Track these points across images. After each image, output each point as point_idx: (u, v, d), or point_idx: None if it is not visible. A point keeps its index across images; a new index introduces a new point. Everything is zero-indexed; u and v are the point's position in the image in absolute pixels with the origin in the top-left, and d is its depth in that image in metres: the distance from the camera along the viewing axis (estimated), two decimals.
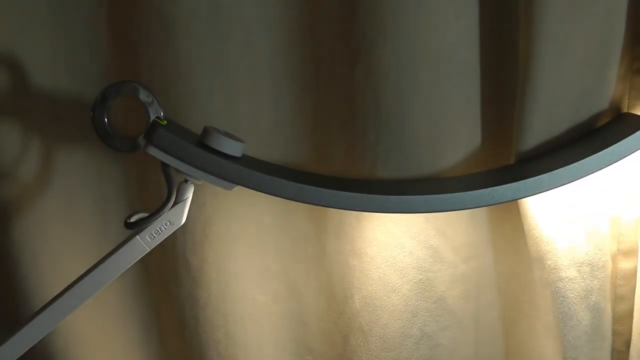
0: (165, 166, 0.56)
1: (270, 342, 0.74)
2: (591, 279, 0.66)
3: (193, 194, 0.58)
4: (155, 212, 0.56)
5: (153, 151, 0.55)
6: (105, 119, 0.58)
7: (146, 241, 0.57)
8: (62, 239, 0.70)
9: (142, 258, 0.57)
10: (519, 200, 0.65)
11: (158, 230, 0.57)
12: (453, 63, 0.60)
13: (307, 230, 0.70)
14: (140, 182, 0.69)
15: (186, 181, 0.58)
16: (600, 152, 0.57)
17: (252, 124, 0.64)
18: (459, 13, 0.59)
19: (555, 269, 0.66)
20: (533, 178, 0.58)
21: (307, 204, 0.58)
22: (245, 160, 0.59)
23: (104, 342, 0.75)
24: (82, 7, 0.64)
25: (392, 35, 0.57)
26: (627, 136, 0.58)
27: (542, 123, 0.61)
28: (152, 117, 0.58)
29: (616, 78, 0.62)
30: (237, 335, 0.71)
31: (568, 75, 0.59)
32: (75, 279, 0.57)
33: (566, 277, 0.66)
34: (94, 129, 0.59)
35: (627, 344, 0.70)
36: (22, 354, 0.57)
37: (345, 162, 0.65)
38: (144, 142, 0.56)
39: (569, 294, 0.66)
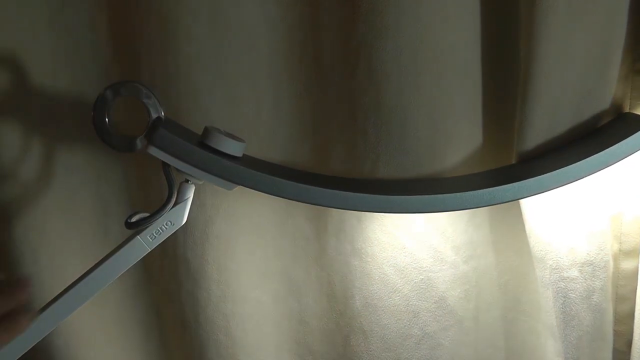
0: (165, 166, 0.56)
1: (271, 342, 0.73)
2: (593, 279, 0.66)
3: (193, 194, 0.58)
4: (156, 212, 0.56)
5: (154, 151, 0.55)
6: (106, 119, 0.58)
7: (147, 241, 0.57)
8: (62, 239, 0.69)
9: (142, 258, 0.57)
10: (520, 200, 0.65)
11: (159, 230, 0.57)
12: (454, 63, 0.60)
13: (307, 230, 0.70)
14: (140, 182, 0.69)
15: (187, 181, 0.57)
16: (602, 152, 0.57)
17: (252, 124, 0.64)
18: (460, 13, 0.59)
19: (557, 269, 0.65)
20: (534, 178, 0.57)
21: (307, 204, 0.58)
22: (246, 160, 0.58)
23: (104, 342, 0.74)
24: (82, 8, 0.63)
25: (392, 35, 0.57)
26: (628, 136, 0.57)
27: (543, 123, 0.61)
28: (153, 117, 0.58)
29: (617, 78, 0.62)
30: (238, 335, 0.70)
31: (569, 75, 0.59)
32: (75, 279, 0.57)
33: (568, 277, 0.66)
34: (94, 128, 0.58)
35: (629, 344, 0.70)
36: (22, 354, 0.57)
37: (346, 162, 0.65)
38: (145, 142, 0.56)
39: (571, 294, 0.66)
